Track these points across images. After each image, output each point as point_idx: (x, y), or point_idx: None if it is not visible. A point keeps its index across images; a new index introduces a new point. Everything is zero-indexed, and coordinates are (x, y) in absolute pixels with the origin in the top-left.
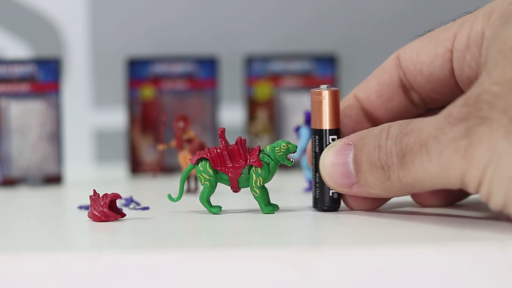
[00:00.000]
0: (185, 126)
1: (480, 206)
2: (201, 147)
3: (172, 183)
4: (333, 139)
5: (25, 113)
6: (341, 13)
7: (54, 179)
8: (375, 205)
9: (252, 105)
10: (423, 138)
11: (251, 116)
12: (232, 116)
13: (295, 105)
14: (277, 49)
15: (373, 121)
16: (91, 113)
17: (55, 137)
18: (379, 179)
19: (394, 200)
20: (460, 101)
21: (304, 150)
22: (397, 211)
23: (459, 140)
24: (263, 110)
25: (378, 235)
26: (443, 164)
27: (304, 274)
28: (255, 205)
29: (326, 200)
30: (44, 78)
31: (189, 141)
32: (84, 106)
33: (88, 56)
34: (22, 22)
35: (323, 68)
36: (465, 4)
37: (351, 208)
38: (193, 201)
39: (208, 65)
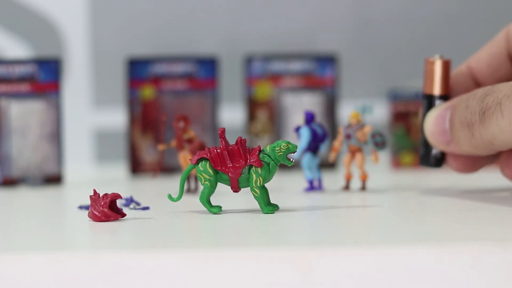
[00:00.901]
0: (185, 126)
1: (479, 206)
2: (201, 147)
3: (172, 183)
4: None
5: (25, 113)
6: (341, 15)
7: (54, 179)
8: (474, 167)
9: (252, 105)
10: (499, 97)
11: (251, 116)
12: (232, 116)
13: (295, 105)
14: (277, 50)
15: None
16: (91, 113)
17: (55, 137)
18: (467, 136)
19: (394, 199)
20: None
21: (304, 150)
22: (397, 211)
23: None
24: (263, 110)
25: (378, 235)
26: None
27: (304, 274)
28: (255, 205)
29: (431, 158)
30: (44, 78)
31: (189, 141)
32: (84, 106)
33: (88, 56)
34: (22, 22)
35: (323, 68)
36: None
37: (452, 169)
38: (193, 201)
39: (208, 65)
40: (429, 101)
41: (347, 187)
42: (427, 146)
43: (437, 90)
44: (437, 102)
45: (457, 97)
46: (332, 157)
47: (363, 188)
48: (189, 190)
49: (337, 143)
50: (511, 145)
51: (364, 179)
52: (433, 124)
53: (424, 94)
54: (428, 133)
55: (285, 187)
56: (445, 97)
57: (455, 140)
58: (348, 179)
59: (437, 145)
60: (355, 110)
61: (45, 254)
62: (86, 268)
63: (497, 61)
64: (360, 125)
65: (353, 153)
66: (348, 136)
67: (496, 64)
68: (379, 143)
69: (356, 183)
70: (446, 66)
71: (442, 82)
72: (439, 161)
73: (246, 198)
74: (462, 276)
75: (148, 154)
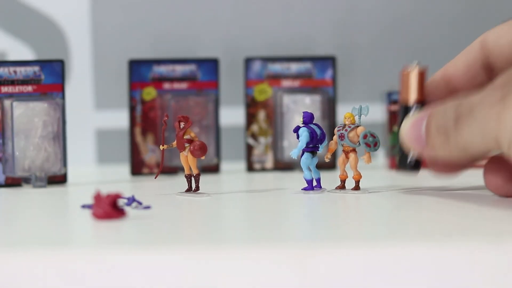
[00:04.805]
0: (186, 126)
1: (478, 205)
2: (202, 147)
3: (174, 183)
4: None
5: (29, 114)
6: (339, 18)
7: (57, 179)
8: (453, 170)
9: (252, 106)
10: (472, 103)
11: (251, 117)
12: (232, 116)
13: (294, 106)
14: (276, 52)
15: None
16: (94, 114)
17: (58, 138)
18: (442, 142)
19: (390, 198)
20: (504, 72)
21: (303, 150)
22: (396, 210)
23: (495, 104)
24: (263, 111)
25: (377, 233)
26: (483, 126)
27: (302, 272)
28: (255, 204)
29: (408, 163)
30: (47, 79)
31: (190, 141)
32: (87, 107)
33: (91, 58)
34: (26, 25)
35: (322, 70)
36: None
37: (432, 172)
38: (194, 201)
39: (209, 67)
40: (405, 109)
41: (342, 187)
42: (403, 151)
43: (413, 98)
44: (414, 109)
45: (433, 106)
46: (327, 156)
47: (357, 188)
48: (189, 190)
49: (332, 144)
50: (483, 151)
51: (357, 179)
52: (408, 129)
53: (401, 102)
54: (404, 138)
55: (284, 186)
56: (421, 104)
57: (430, 145)
58: (343, 179)
59: (411, 150)
60: (350, 111)
61: (50, 250)
62: (90, 264)
63: (472, 70)
64: (354, 126)
65: (346, 153)
66: (341, 137)
67: (471, 73)
68: (370, 144)
69: (353, 183)
70: (422, 75)
71: (418, 91)
72: (416, 165)
73: (246, 197)
74: (459, 274)
75: (150, 154)
